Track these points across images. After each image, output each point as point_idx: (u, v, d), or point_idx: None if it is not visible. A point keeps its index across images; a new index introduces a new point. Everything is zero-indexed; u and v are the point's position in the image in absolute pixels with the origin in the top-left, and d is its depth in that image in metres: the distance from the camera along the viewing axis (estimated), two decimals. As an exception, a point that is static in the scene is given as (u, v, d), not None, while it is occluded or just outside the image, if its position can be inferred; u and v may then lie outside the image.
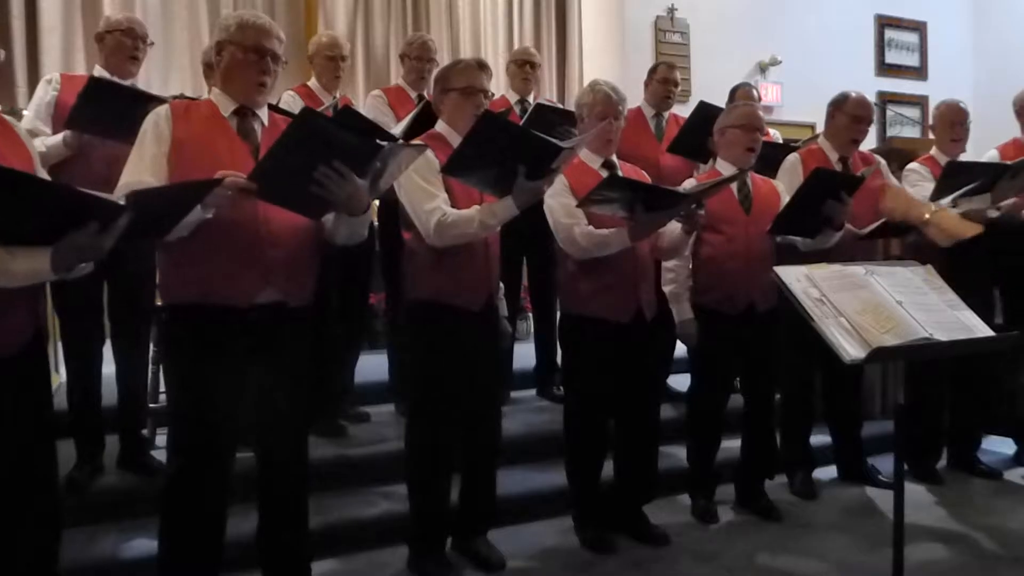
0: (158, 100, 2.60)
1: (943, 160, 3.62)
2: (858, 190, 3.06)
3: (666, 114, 4.03)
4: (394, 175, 2.22)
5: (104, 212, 1.66)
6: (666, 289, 3.06)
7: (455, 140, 2.52)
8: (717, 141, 3.16)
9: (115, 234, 1.70)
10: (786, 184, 3.26)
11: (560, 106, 4.10)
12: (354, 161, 1.97)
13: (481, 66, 2.60)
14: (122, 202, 1.70)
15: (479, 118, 2.32)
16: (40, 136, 2.74)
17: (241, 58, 2.09)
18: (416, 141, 2.58)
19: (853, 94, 3.40)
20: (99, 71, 3.00)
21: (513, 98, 4.14)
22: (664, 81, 3.98)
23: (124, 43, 2.95)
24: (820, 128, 3.76)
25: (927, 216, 1.89)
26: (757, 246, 3.04)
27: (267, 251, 2.08)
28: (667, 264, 3.06)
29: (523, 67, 4.11)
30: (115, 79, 2.91)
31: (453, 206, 2.45)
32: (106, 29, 3.00)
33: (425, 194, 2.43)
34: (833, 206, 3.00)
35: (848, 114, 3.37)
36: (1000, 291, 3.67)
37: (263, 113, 2.18)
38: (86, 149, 2.70)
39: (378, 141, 2.00)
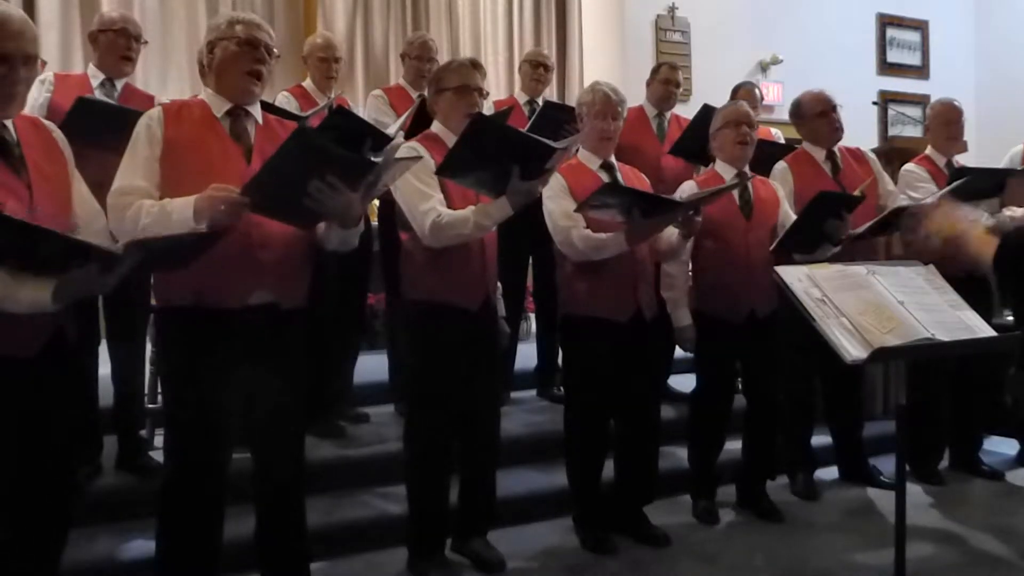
0: (143, 95, 2.59)
1: (939, 160, 3.61)
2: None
3: (668, 114, 4.02)
4: (387, 184, 2.22)
5: (101, 259, 1.67)
6: (665, 295, 3.05)
7: (450, 140, 2.51)
8: (713, 145, 3.16)
9: (118, 274, 1.71)
10: (785, 190, 3.27)
11: (567, 104, 4.11)
12: (348, 176, 1.96)
13: (475, 65, 2.59)
14: (119, 251, 1.71)
15: (470, 121, 2.32)
16: None
17: (235, 51, 2.08)
18: (412, 142, 2.58)
19: (806, 94, 3.41)
20: (92, 70, 2.99)
21: (523, 98, 4.15)
22: (666, 81, 3.98)
23: (117, 43, 2.94)
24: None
25: (964, 232, 1.91)
26: (757, 252, 3.03)
27: (258, 253, 2.07)
28: (666, 270, 3.05)
29: (536, 68, 4.14)
30: (98, 76, 2.90)
31: (449, 206, 2.44)
32: (99, 28, 2.98)
33: (420, 195, 2.43)
34: (834, 224, 3.00)
35: (810, 115, 3.37)
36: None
37: (256, 112, 2.17)
38: (79, 153, 2.68)
39: (372, 159, 2.00)
